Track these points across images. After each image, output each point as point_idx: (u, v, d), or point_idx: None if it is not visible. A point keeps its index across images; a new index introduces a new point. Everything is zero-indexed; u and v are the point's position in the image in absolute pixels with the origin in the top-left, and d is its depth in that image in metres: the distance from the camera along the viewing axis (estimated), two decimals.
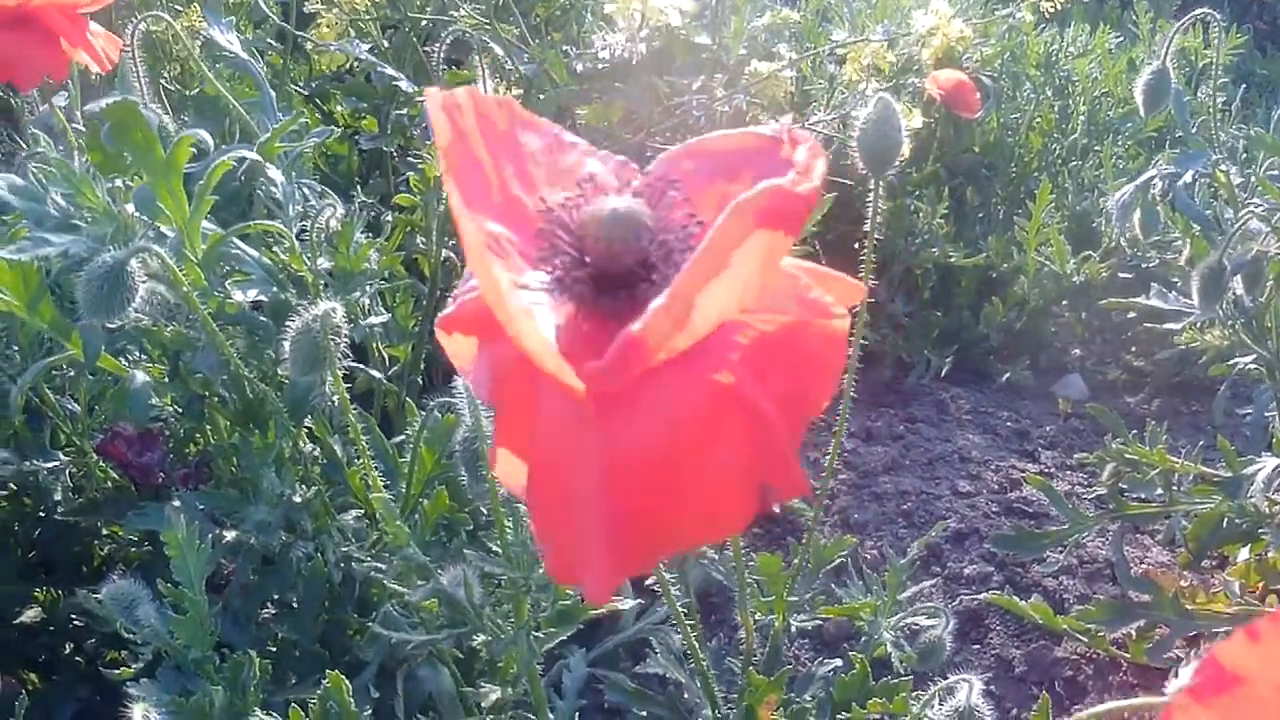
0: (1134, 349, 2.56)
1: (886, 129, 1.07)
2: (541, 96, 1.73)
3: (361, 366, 1.47)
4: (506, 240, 0.57)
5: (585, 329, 0.54)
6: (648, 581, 1.37)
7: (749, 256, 0.49)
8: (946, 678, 1.16)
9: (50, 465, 1.50)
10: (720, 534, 0.52)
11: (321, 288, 1.32)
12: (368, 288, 1.32)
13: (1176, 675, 0.56)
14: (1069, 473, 2.21)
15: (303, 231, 1.36)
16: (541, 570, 1.02)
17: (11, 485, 1.59)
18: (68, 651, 1.61)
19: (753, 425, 0.50)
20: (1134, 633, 1.72)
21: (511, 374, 0.53)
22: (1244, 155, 1.97)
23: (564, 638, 1.13)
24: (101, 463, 1.52)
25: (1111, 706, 0.73)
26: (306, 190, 1.43)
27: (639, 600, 1.34)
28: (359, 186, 1.98)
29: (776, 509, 0.51)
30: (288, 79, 2.06)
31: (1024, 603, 1.73)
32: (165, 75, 2.07)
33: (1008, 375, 2.50)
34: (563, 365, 0.49)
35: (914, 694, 1.21)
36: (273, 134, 1.30)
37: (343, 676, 0.97)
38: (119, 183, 1.28)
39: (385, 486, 1.14)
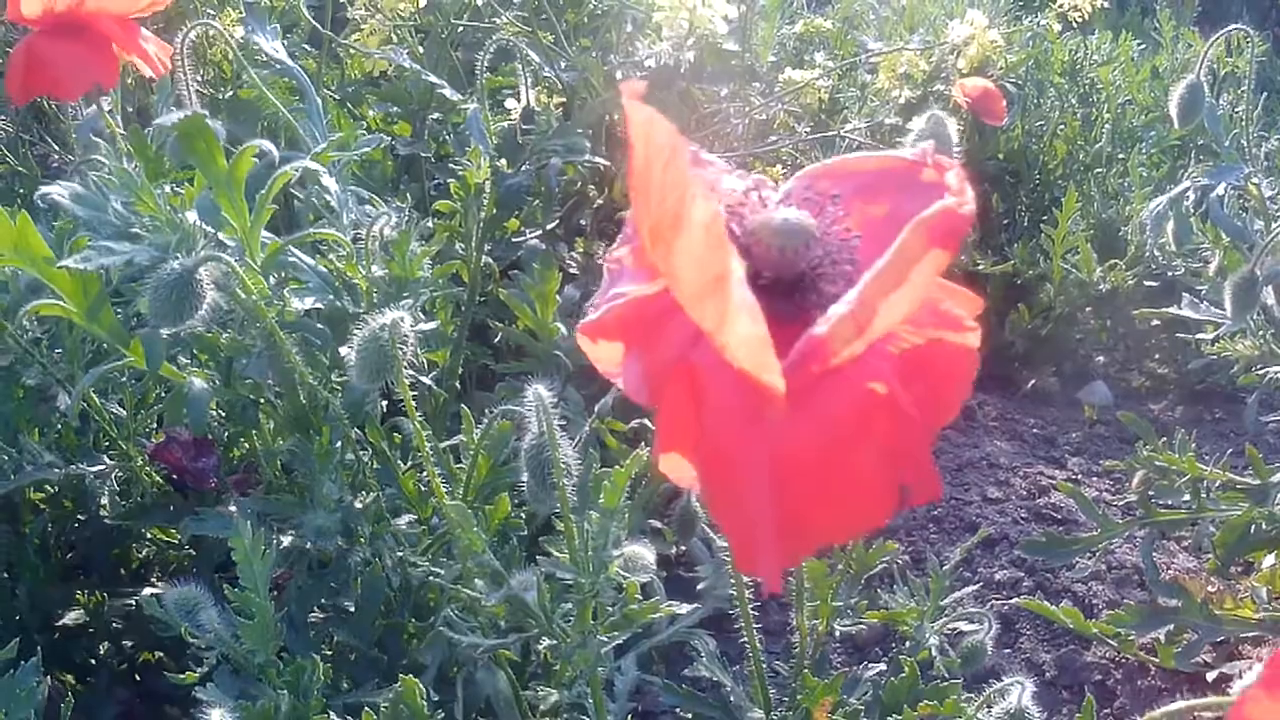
0: (1158, 357, 2.58)
1: (941, 144, 1.08)
2: (581, 104, 1.75)
3: (413, 374, 1.48)
4: None
5: None
6: (699, 585, 1.39)
7: (924, 271, 0.52)
8: (983, 682, 1.18)
9: (96, 469, 1.51)
10: (864, 528, 0.56)
11: (374, 295, 1.34)
12: (421, 295, 1.33)
13: (1241, 677, 0.58)
14: (1096, 479, 2.22)
15: (354, 239, 1.37)
16: (605, 575, 1.04)
17: (49, 488, 1.60)
18: (104, 653, 1.62)
19: (899, 429, 0.54)
20: (1162, 638, 1.73)
21: (670, 377, 0.55)
22: (1265, 164, 1.98)
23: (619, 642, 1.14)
24: (147, 467, 1.53)
25: (1183, 706, 0.75)
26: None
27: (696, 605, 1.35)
28: (393, 192, 2.00)
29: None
30: (320, 83, 2.07)
31: (1054, 608, 1.74)
32: (200, 79, 2.08)
33: (1034, 382, 2.52)
34: (769, 363, 0.51)
35: (964, 696, 1.22)
36: (329, 144, 1.32)
37: (416, 680, 0.98)
38: (167, 189, 1.29)
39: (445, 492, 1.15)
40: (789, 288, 0.56)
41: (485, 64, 1.61)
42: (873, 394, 0.53)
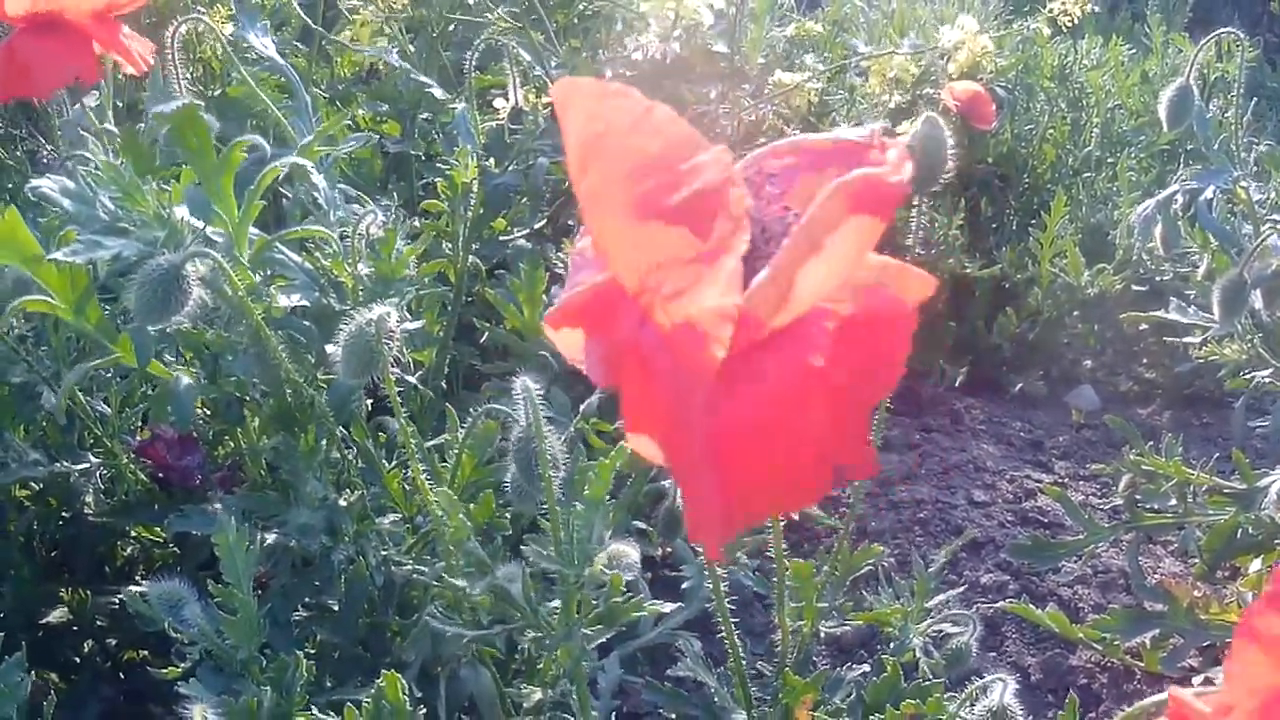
0: (1145, 361, 2.58)
1: (936, 146, 1.08)
2: None
3: (398, 372, 1.48)
4: None
5: None
6: (683, 585, 1.39)
7: (844, 239, 0.52)
8: (967, 684, 1.18)
9: (81, 467, 1.50)
10: (801, 502, 0.56)
11: (360, 293, 1.34)
12: (406, 294, 1.33)
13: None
14: (1082, 483, 2.23)
15: (341, 236, 1.37)
16: (590, 570, 1.04)
17: (33, 485, 1.60)
18: (88, 651, 1.61)
19: (834, 405, 0.54)
20: (1148, 642, 1.73)
21: (622, 359, 0.56)
22: (1254, 169, 1.99)
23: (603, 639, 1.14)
24: (132, 464, 1.52)
25: (1147, 704, 0.75)
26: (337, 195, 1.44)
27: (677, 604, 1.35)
28: (382, 190, 1.99)
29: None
30: (310, 81, 2.07)
31: (1040, 611, 1.74)
32: (189, 76, 2.07)
33: (1021, 385, 2.52)
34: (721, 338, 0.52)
35: (947, 696, 1.22)
36: (314, 138, 1.32)
37: (398, 676, 0.98)
38: (154, 184, 1.29)
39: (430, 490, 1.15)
40: None
41: (474, 63, 1.61)
42: (808, 367, 0.53)
